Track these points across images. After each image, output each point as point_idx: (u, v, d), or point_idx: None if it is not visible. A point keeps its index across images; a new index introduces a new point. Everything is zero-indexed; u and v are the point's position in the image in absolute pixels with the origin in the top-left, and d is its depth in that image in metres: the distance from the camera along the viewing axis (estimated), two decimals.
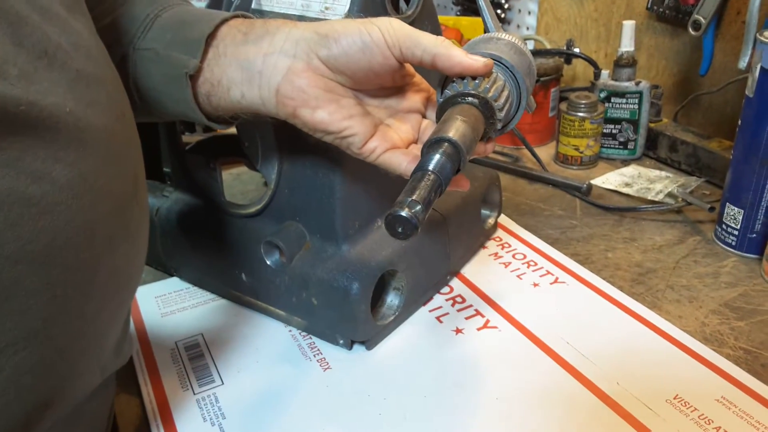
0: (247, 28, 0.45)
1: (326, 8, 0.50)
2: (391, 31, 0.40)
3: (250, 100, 0.44)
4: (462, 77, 0.41)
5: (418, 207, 0.33)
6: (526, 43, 0.46)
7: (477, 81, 0.40)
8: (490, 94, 0.40)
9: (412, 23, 0.53)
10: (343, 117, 0.42)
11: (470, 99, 0.39)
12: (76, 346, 0.35)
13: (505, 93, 0.41)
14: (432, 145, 0.36)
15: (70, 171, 0.35)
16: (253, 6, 0.53)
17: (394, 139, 0.44)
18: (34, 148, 0.33)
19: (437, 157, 0.35)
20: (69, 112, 0.35)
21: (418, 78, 0.45)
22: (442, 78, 0.43)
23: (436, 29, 0.57)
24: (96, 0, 0.46)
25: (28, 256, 0.33)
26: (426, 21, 0.55)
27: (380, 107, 0.45)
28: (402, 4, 0.55)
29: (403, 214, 0.33)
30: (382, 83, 0.43)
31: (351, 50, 0.40)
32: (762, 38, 0.59)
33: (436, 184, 0.35)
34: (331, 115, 0.42)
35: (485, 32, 0.48)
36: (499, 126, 0.41)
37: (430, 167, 0.35)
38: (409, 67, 0.44)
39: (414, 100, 0.45)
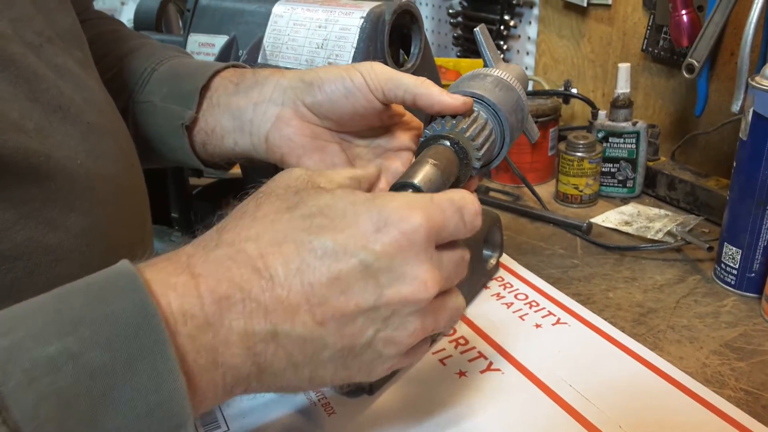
0: (238, 78, 0.47)
1: (329, 63, 0.52)
2: (373, 75, 0.41)
3: (242, 147, 0.46)
4: (443, 116, 0.41)
5: None
6: (522, 75, 0.46)
7: (455, 120, 0.41)
8: (467, 134, 0.40)
9: (413, 74, 0.55)
10: (327, 166, 0.44)
11: (443, 141, 0.40)
12: None
13: (486, 131, 0.42)
14: (397, 189, 0.37)
15: (84, 219, 0.37)
16: (259, 60, 0.55)
17: (380, 186, 0.45)
18: (52, 199, 0.35)
19: None
20: (80, 164, 0.37)
21: (408, 116, 0.46)
22: (428, 116, 0.44)
23: (434, 79, 0.59)
24: (98, 57, 0.48)
25: None
26: (425, 72, 0.57)
27: (370, 147, 0.46)
28: (402, 57, 0.57)
29: None
30: (369, 124, 0.44)
31: (335, 96, 0.42)
32: (753, 83, 0.60)
33: None
34: (315, 163, 0.44)
35: (484, 66, 0.48)
36: (477, 164, 0.42)
37: None
38: (397, 107, 0.45)
39: (403, 138, 0.46)
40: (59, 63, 0.38)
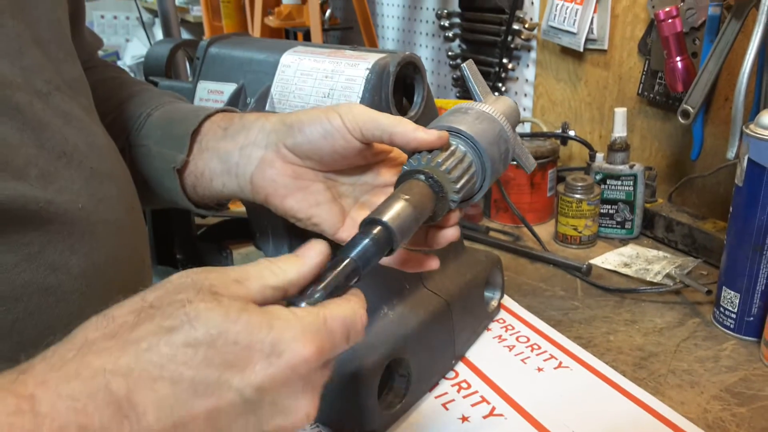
0: (226, 123, 0.49)
1: None
2: (351, 116, 0.42)
3: (230, 189, 0.48)
4: (420, 152, 0.41)
5: (317, 295, 0.33)
6: (511, 107, 0.46)
7: (431, 155, 0.41)
8: (442, 168, 0.40)
9: (416, 122, 0.57)
10: (310, 205, 0.45)
11: (419, 175, 0.40)
12: None
13: (464, 164, 0.41)
14: (365, 226, 0.36)
15: (84, 261, 0.38)
16: (267, 108, 0.56)
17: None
18: (53, 242, 0.36)
19: (365, 242, 0.35)
20: (81, 208, 0.38)
21: (395, 152, 0.47)
22: (409, 154, 0.43)
23: None
24: (100, 101, 0.50)
25: (44, 342, 0.35)
26: (427, 118, 0.58)
27: (356, 185, 0.47)
28: (405, 103, 0.59)
29: (302, 305, 0.33)
30: (352, 163, 0.45)
31: (314, 137, 0.43)
32: (748, 131, 0.62)
33: (351, 272, 0.35)
34: (298, 203, 0.45)
35: (474, 101, 0.47)
36: (456, 197, 0.41)
37: (352, 254, 0.35)
38: (381, 145, 0.45)
39: (388, 175, 0.46)
40: (66, 110, 0.40)
